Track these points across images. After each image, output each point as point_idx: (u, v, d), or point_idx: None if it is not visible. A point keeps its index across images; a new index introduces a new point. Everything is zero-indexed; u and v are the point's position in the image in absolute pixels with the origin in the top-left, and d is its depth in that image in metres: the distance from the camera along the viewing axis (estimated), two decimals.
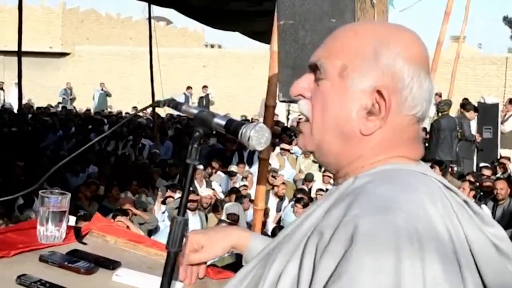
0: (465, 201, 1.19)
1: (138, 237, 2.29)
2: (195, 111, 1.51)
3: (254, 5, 9.34)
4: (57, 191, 2.15)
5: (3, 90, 25.80)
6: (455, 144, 12.68)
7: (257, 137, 1.37)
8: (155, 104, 1.67)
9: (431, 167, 11.39)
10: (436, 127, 12.61)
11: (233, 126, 1.42)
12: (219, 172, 12.34)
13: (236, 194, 10.11)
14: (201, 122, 1.48)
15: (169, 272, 1.48)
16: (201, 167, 11.18)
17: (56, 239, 2.08)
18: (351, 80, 1.21)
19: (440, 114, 12.86)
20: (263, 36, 11.57)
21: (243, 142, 1.40)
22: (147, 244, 2.18)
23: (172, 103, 1.59)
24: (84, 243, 2.14)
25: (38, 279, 1.72)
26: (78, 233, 2.19)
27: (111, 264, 1.93)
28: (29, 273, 1.76)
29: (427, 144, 14.17)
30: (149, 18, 15.21)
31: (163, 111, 19.25)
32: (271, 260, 1.19)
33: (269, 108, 3.97)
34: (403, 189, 1.09)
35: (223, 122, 1.44)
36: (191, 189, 1.55)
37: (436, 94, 16.58)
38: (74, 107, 25.24)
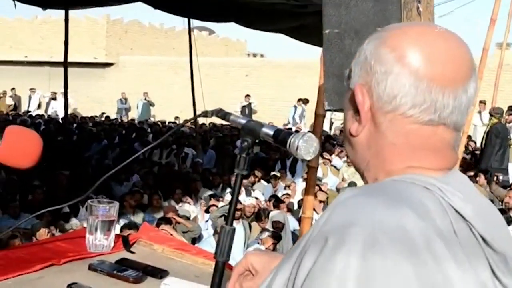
0: (483, 238, 1.04)
1: (185, 246, 2.30)
2: (243, 121, 1.52)
3: (298, 7, 9.35)
4: (105, 200, 2.18)
5: (56, 100, 26.18)
6: (507, 152, 12.59)
7: (305, 146, 1.37)
8: (203, 114, 1.67)
9: (475, 175, 11.26)
10: (495, 133, 12.51)
11: (281, 136, 1.41)
12: (262, 181, 12.35)
13: (275, 199, 10.24)
14: (249, 131, 1.48)
15: (217, 282, 1.48)
16: None
17: (104, 248, 2.10)
18: (349, 81, 1.18)
19: (493, 121, 12.78)
20: (308, 35, 11.55)
21: (291, 152, 1.39)
22: (194, 253, 2.19)
23: (220, 113, 1.60)
24: (132, 252, 2.16)
25: None
26: (126, 242, 2.21)
27: (159, 273, 1.94)
28: (79, 281, 1.79)
29: (478, 152, 14.07)
30: (189, 31, 15.33)
31: (205, 120, 19.34)
32: (278, 267, 1.12)
33: (318, 117, 3.93)
34: (381, 204, 1.00)
35: (271, 132, 1.44)
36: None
37: (481, 101, 16.42)
38: (133, 119, 25.04)
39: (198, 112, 1.77)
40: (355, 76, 1.16)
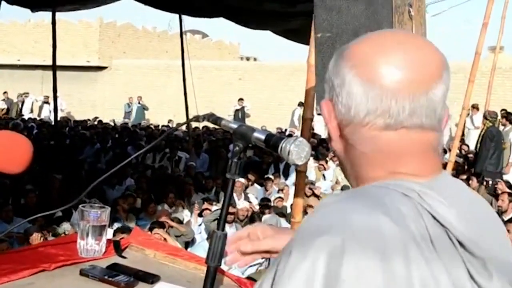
0: (460, 243, 1.02)
1: (177, 251, 2.29)
2: (235, 126, 1.51)
3: (287, 6, 9.37)
4: (96, 205, 2.17)
5: (49, 104, 26.11)
6: (502, 156, 12.71)
7: (297, 151, 1.37)
8: (194, 119, 1.67)
9: (468, 179, 11.29)
10: (489, 136, 12.60)
11: (273, 141, 1.41)
12: (255, 185, 12.34)
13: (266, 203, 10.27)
14: (241, 136, 1.48)
15: (209, 287, 1.48)
16: (242, 180, 11.22)
17: (96, 253, 2.09)
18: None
19: (488, 125, 12.89)
20: (297, 35, 11.55)
21: (283, 157, 1.39)
22: (186, 258, 2.18)
23: (211, 117, 1.60)
24: (124, 257, 2.15)
25: None
26: (117, 247, 2.20)
27: (151, 278, 1.93)
28: (70, 286, 1.77)
29: (471, 155, 14.14)
30: (181, 33, 15.31)
31: (198, 124, 19.28)
32: (268, 270, 1.11)
33: (306, 121, 3.92)
34: (356, 210, 1.01)
35: (262, 137, 1.44)
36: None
37: (473, 106, 16.43)
38: (126, 123, 25.01)
39: (190, 116, 1.75)
40: (325, 93, 1.17)
